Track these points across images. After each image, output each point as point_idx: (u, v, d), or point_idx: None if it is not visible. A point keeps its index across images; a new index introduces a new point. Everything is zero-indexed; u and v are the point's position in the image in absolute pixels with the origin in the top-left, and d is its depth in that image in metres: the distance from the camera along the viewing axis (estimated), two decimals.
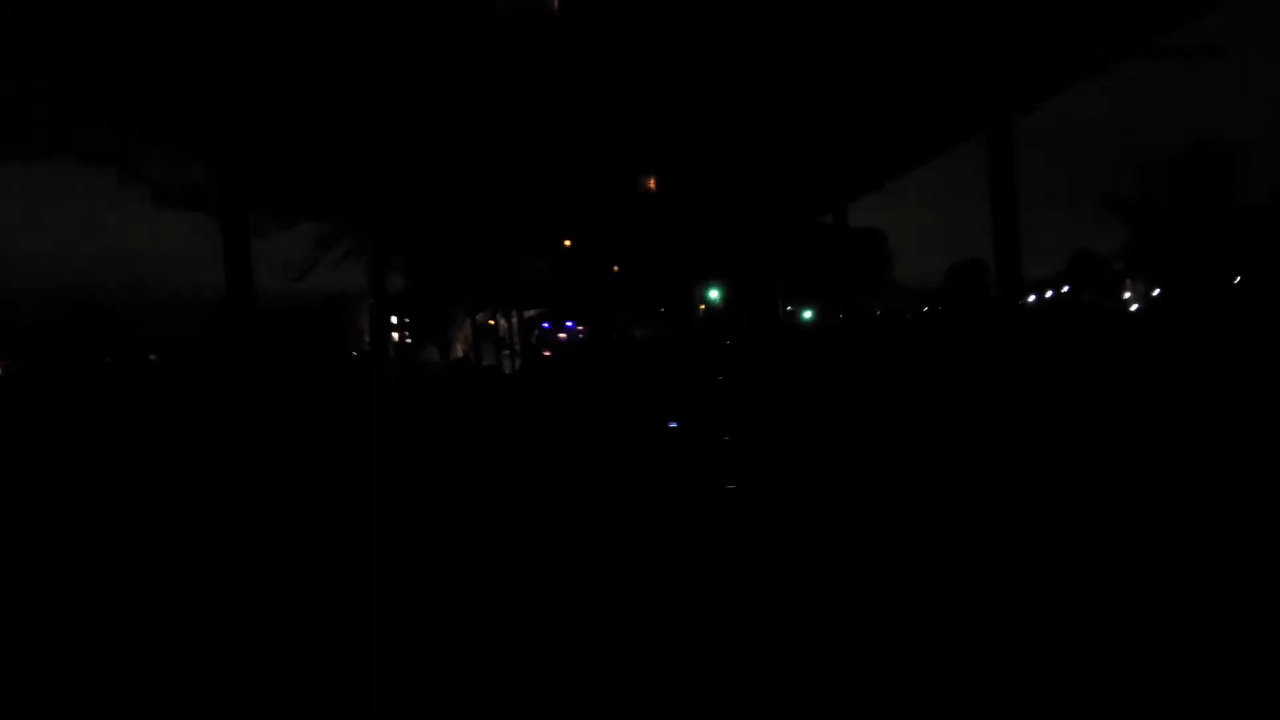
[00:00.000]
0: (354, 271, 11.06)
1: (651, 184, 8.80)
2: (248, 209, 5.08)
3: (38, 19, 3.51)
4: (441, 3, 4.16)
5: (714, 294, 24.94)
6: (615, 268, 16.13)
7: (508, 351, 19.18)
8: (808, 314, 45.17)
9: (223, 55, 4.05)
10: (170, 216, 5.42)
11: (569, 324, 28.16)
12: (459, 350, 21.96)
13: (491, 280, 15.15)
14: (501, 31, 4.57)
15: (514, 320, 19.71)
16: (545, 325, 28.03)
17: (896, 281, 52.18)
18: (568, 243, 12.90)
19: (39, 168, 4.74)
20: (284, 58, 4.26)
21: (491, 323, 20.12)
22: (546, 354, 23.19)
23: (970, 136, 6.20)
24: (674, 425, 9.35)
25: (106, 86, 4.23)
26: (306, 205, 6.95)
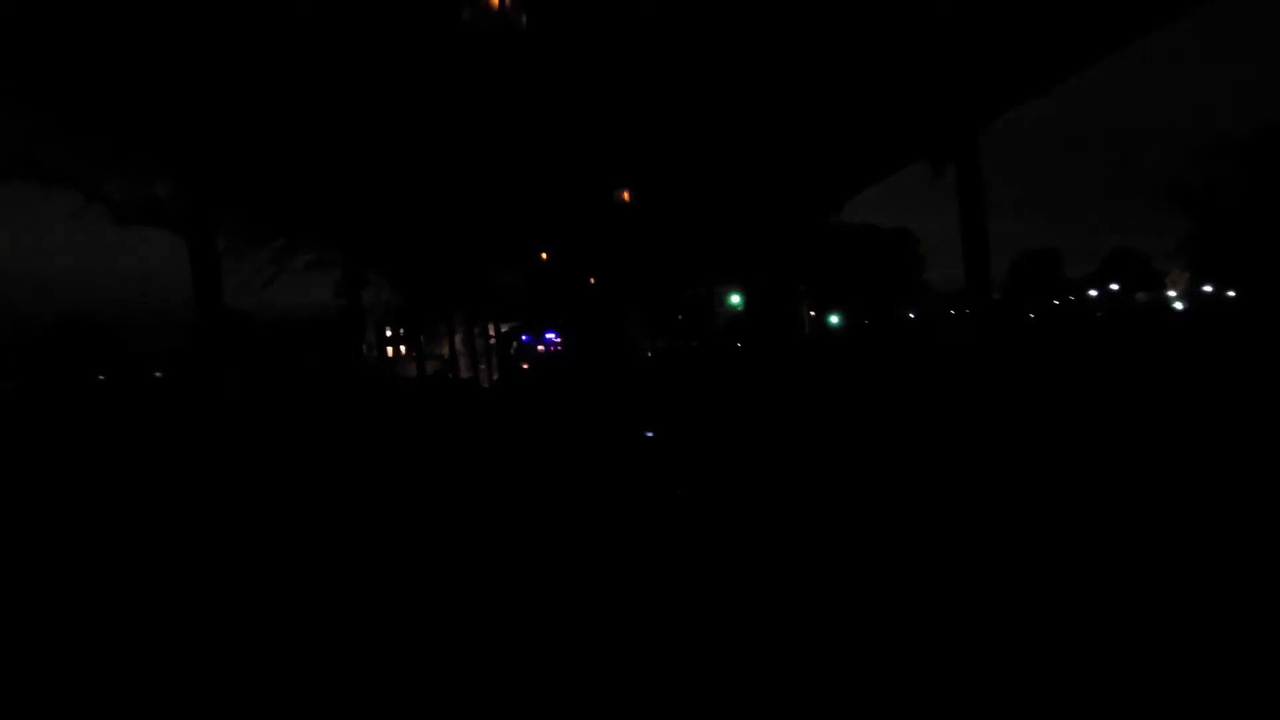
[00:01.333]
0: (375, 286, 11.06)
1: (626, 196, 8.81)
2: (213, 224, 5.01)
3: None
4: (408, 15, 4.13)
5: (735, 299, 23.90)
6: (592, 279, 16.09)
7: (484, 366, 19.05)
8: (834, 319, 44.53)
9: (185, 67, 3.99)
10: (143, 232, 5.33)
11: (548, 336, 28.06)
12: (432, 365, 21.78)
13: (467, 293, 15.07)
14: (469, 42, 4.56)
15: (490, 333, 19.59)
16: (525, 338, 27.90)
17: (929, 285, 48.64)
18: (544, 255, 12.85)
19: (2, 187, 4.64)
20: (246, 69, 4.21)
21: (467, 336, 19.99)
22: (525, 366, 23.04)
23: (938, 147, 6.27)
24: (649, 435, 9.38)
25: (63, 104, 4.15)
26: (272, 219, 6.86)
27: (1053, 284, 48.50)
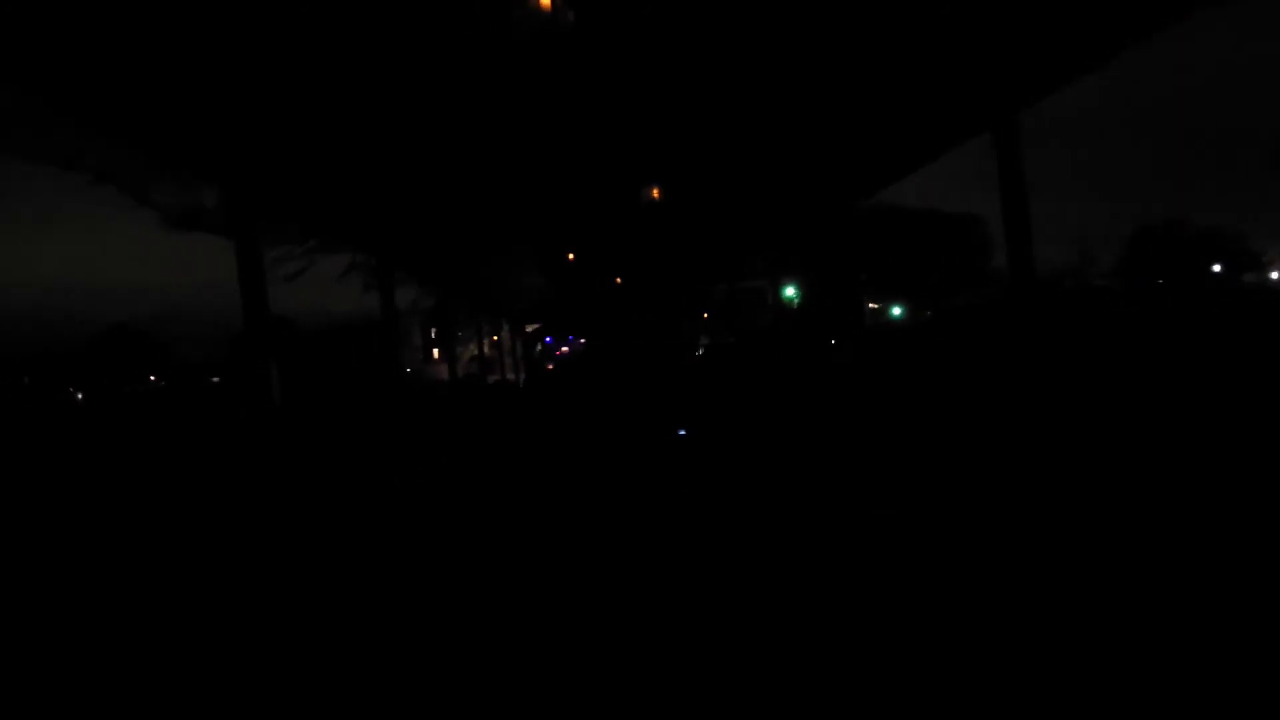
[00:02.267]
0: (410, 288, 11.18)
1: (656, 193, 8.78)
2: (258, 229, 5.08)
3: (43, 36, 3.51)
4: (450, 16, 4.15)
5: (790, 291, 22.02)
6: (619, 279, 16.08)
7: (511, 368, 19.16)
8: (896, 310, 41.93)
9: (228, 75, 4.05)
10: (186, 240, 5.42)
11: (571, 338, 28.15)
12: (464, 367, 21.94)
13: (494, 295, 15.15)
14: (515, 43, 4.57)
15: (516, 335, 19.69)
16: (549, 340, 28.01)
17: (998, 272, 40.66)
18: (570, 256, 12.86)
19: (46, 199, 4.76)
20: (282, 77, 4.26)
21: (496, 338, 20.13)
22: (550, 367, 23.14)
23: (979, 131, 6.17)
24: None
25: (115, 110, 4.23)
26: (306, 220, 6.95)
27: (1188, 265, 40.05)
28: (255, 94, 4.27)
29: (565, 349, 27.90)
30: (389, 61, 4.40)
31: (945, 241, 41.34)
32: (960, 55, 5.05)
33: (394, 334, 9.71)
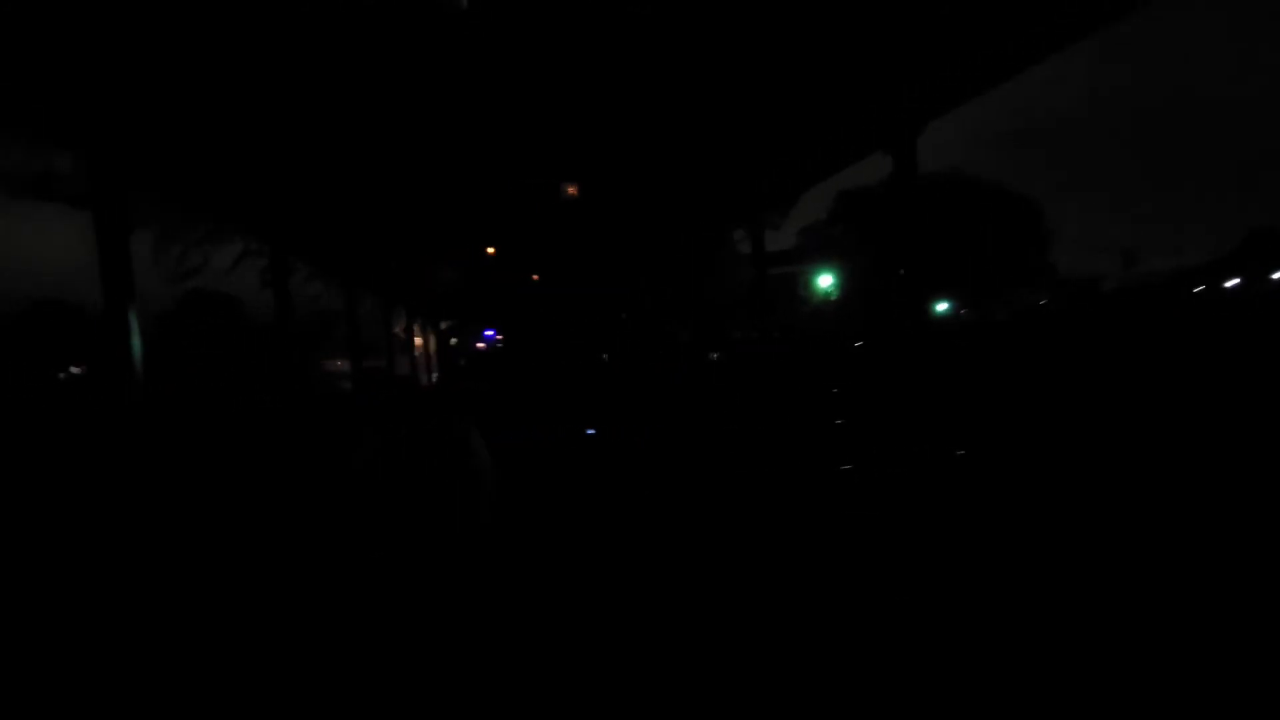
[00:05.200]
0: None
1: (573, 190, 8.65)
2: (123, 202, 4.67)
3: None
4: None
5: (826, 282, 16.68)
6: (535, 275, 15.84)
7: (423, 364, 18.61)
8: (942, 306, 32.44)
9: (91, 30, 3.69)
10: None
11: (488, 334, 27.64)
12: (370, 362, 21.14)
13: (403, 288, 14.66)
14: (419, 24, 4.37)
15: (424, 332, 19.16)
16: (457, 336, 27.44)
17: (1053, 266, 34.70)
18: (491, 250, 12.56)
19: None
20: (164, 32, 3.92)
21: (402, 333, 19.52)
22: (462, 363, 22.64)
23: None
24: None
25: None
26: (192, 201, 6.49)
27: None
28: (119, 38, 3.88)
29: (482, 345, 27.40)
30: (285, 25, 4.11)
31: (1010, 227, 32.74)
32: (857, 80, 5.16)
33: (290, 329, 9.20)
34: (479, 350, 27.02)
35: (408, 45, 4.48)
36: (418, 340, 19.97)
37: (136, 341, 4.75)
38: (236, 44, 4.16)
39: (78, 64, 3.96)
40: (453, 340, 23.69)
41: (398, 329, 16.99)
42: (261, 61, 4.40)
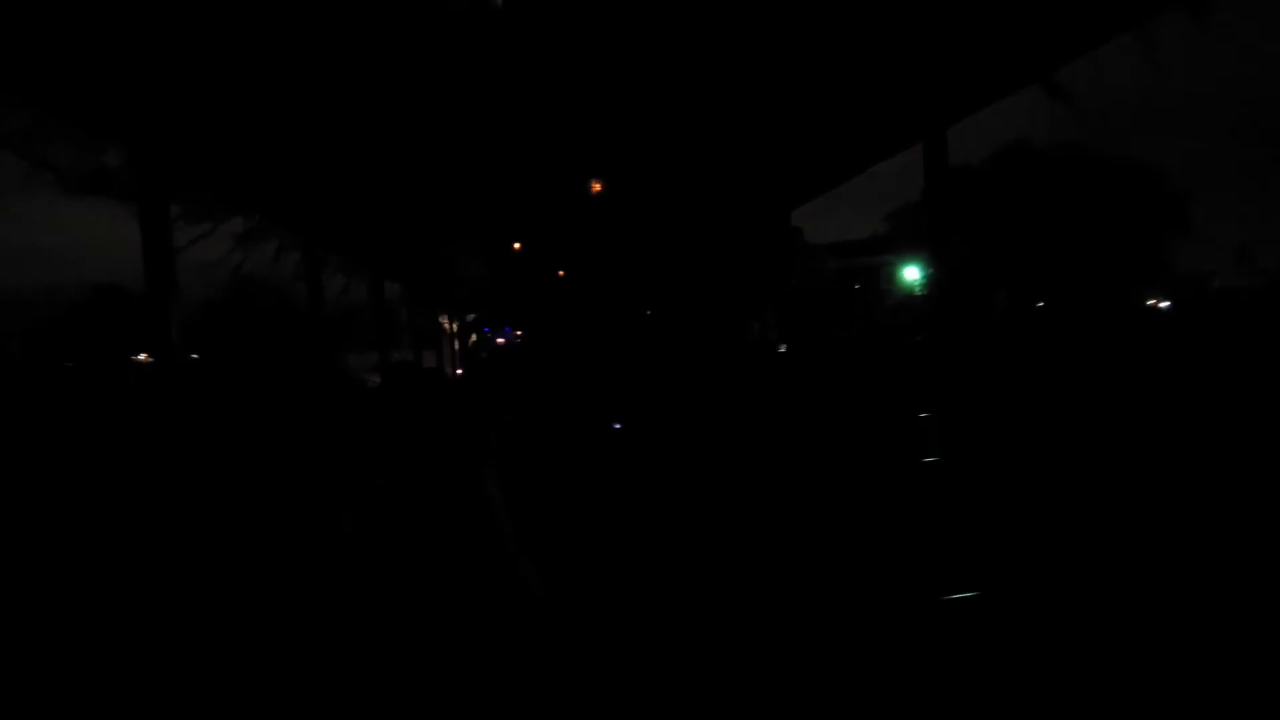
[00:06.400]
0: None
1: (596, 186, 8.69)
2: (169, 197, 4.81)
3: None
4: None
5: (912, 274, 16.15)
6: (560, 272, 15.94)
7: (448, 357, 18.78)
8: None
9: (141, 28, 3.80)
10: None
11: (508, 330, 27.86)
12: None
13: (432, 283, 14.83)
14: (445, 21, 4.43)
15: (454, 325, 19.34)
16: (486, 330, 27.69)
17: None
18: (517, 246, 12.64)
19: None
20: (210, 33, 4.03)
21: (446, 325, 19.73)
22: (484, 355, 22.85)
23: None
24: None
25: (8, 64, 3.93)
26: (232, 195, 6.63)
27: None
28: (166, 39, 3.99)
29: (501, 340, 27.60)
30: (322, 22, 4.20)
31: (1139, 213, 25.99)
32: (893, 72, 5.14)
33: (322, 322, 9.37)
34: (499, 345, 27.22)
35: (444, 44, 4.55)
36: (449, 326, 20.11)
37: (175, 327, 4.92)
38: (276, 47, 4.25)
39: (127, 69, 4.08)
40: (473, 337, 23.92)
41: (440, 322, 17.13)
42: (299, 63, 4.49)
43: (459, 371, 20.14)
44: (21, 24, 3.48)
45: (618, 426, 9.64)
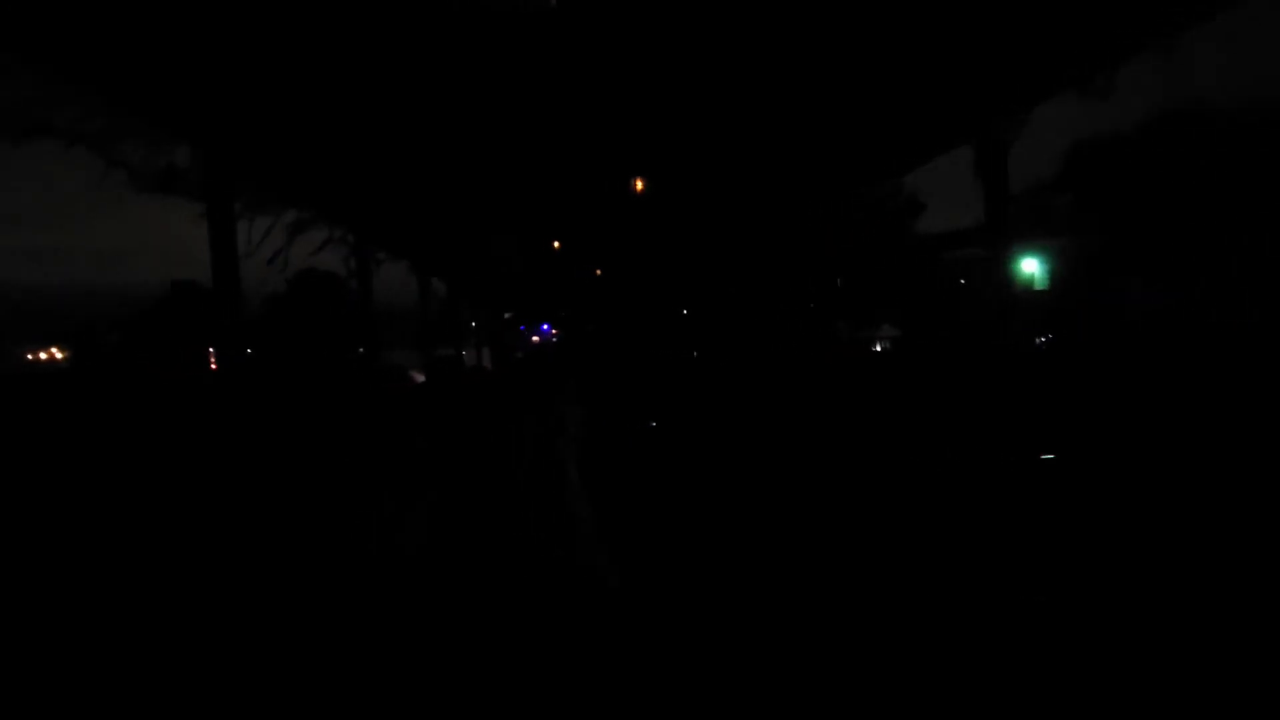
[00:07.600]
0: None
1: (639, 184, 8.72)
2: (233, 193, 4.99)
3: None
4: None
5: (1030, 267, 14.03)
6: (598, 270, 16.00)
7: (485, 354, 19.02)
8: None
9: (209, 31, 3.96)
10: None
11: (544, 328, 28.05)
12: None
13: (477, 280, 15.03)
14: (495, 23, 4.52)
15: (493, 323, 19.56)
16: (522, 327, 27.93)
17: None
18: (556, 244, 12.74)
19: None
20: (271, 38, 4.18)
21: (475, 325, 20.00)
22: (519, 355, 23.08)
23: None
24: None
25: (87, 65, 4.12)
26: (284, 188, 6.83)
27: None
28: (236, 45, 4.16)
29: (537, 339, 27.80)
30: (378, 26, 4.32)
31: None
32: (944, 70, 5.09)
33: (372, 312, 9.59)
34: (534, 344, 27.43)
35: (500, 45, 4.64)
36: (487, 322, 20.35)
37: (235, 319, 5.13)
38: (335, 51, 4.39)
39: (201, 73, 4.26)
40: (507, 334, 24.19)
41: (476, 321, 17.39)
42: (356, 64, 4.63)
43: (492, 368, 20.38)
44: (112, 31, 3.66)
45: (654, 424, 9.75)
